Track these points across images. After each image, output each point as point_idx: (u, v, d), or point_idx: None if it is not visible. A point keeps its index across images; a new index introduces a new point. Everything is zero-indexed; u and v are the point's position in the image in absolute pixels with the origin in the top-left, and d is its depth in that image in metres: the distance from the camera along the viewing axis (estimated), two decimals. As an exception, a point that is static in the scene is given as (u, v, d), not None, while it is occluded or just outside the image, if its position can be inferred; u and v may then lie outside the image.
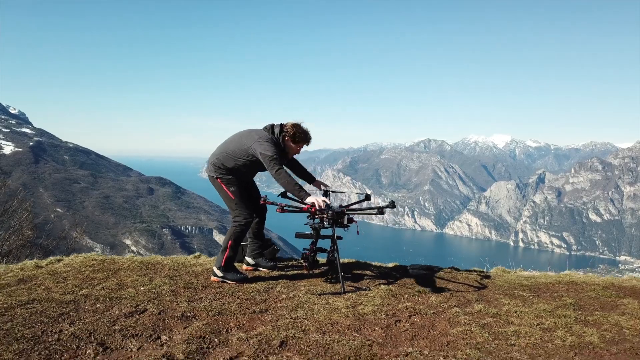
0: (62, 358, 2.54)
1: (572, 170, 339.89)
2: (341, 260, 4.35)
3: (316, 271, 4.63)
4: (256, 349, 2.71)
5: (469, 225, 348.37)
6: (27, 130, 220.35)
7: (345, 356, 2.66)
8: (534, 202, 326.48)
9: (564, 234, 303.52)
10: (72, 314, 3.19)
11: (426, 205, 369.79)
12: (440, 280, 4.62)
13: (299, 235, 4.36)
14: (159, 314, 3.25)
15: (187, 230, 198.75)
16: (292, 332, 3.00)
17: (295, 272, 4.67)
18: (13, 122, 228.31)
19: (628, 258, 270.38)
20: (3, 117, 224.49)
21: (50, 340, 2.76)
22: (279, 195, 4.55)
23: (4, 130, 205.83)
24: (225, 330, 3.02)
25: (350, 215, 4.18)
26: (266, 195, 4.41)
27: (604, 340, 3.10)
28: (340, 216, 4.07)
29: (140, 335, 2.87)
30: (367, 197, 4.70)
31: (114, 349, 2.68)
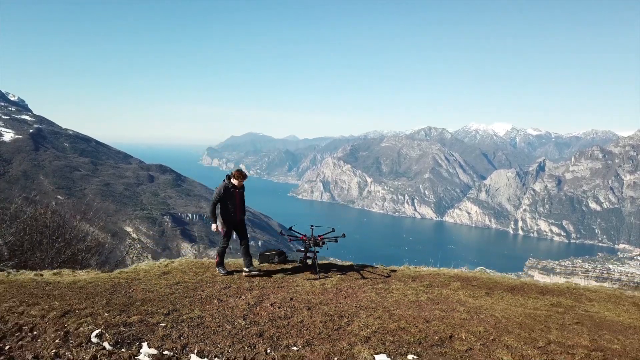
0: (206, 302, 6.68)
1: (573, 159, 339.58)
2: (318, 262, 8.55)
3: (307, 270, 8.83)
4: (281, 300, 6.89)
5: (468, 213, 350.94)
6: (26, 117, 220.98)
7: (316, 303, 6.83)
8: (534, 190, 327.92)
9: (564, 222, 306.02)
10: (199, 287, 7.36)
11: (426, 193, 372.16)
12: (367, 272, 8.84)
13: (298, 251, 8.58)
14: (237, 288, 7.43)
15: (188, 218, 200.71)
16: (295, 295, 7.18)
17: (297, 269, 8.85)
18: (13, 109, 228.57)
19: (627, 246, 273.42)
20: (2, 104, 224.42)
21: (197, 297, 6.91)
22: (289, 229, 8.67)
23: (3, 117, 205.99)
24: (267, 294, 7.20)
25: (323, 240, 8.39)
26: (282, 230, 8.56)
27: (427, 299, 7.27)
28: (316, 241, 8.28)
29: (233, 296, 7.03)
30: (333, 230, 8.85)
31: (224, 301, 6.83)
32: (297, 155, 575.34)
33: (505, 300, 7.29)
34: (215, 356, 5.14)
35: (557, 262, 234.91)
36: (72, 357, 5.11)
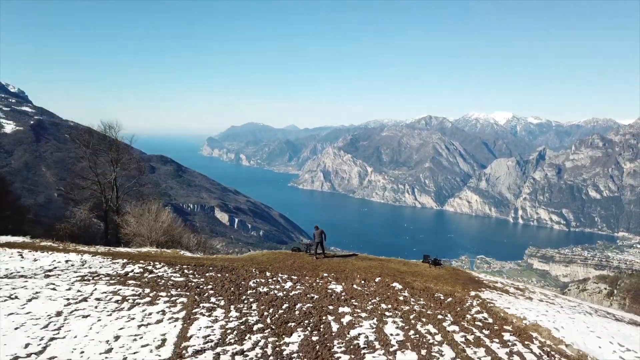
0: (280, 262, 19.92)
1: (573, 147, 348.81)
2: (315, 250, 21.34)
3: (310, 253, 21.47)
4: (302, 262, 19.82)
5: (469, 202, 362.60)
6: (27, 108, 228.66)
7: (313, 266, 19.68)
8: (534, 179, 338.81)
9: (564, 211, 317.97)
10: (276, 259, 22.42)
11: (426, 182, 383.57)
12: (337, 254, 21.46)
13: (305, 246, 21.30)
14: (287, 260, 21.04)
15: (190, 209, 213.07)
16: (307, 261, 19.94)
17: (306, 254, 21.54)
18: (13, 100, 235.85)
19: (626, 234, 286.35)
20: (3, 95, 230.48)
21: (276, 261, 21.45)
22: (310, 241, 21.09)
23: (4, 108, 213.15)
24: (298, 260, 20.08)
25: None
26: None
27: (352, 264, 19.85)
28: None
29: (287, 261, 22.45)
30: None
31: (285, 262, 21.90)
32: (297, 145, 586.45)
33: (365, 262, 22.44)
34: (285, 273, 18.12)
35: (556, 250, 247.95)
36: (249, 274, 17.81)
